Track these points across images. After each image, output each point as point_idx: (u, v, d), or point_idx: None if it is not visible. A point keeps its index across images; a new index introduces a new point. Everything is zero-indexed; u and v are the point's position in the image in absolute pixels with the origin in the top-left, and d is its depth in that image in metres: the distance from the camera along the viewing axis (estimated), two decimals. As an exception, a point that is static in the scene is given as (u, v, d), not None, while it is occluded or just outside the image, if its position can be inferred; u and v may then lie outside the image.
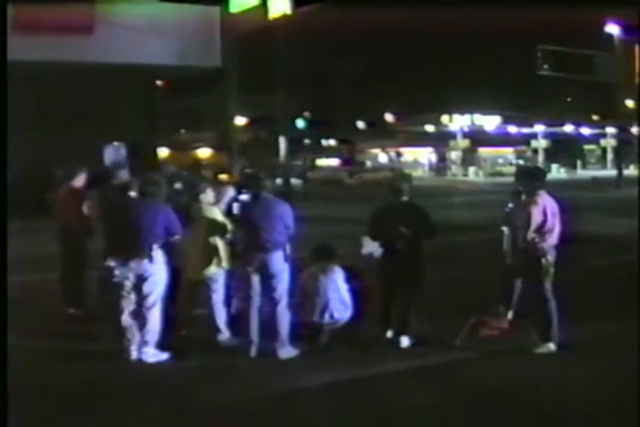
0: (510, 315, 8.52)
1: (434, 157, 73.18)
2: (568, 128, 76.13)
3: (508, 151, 78.37)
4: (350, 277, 8.25)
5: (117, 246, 7.45)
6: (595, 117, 74.61)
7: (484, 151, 74.44)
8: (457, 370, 7.47)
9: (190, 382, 6.99)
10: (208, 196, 8.18)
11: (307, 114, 63.26)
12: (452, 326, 8.22)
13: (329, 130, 65.10)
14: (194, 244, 7.97)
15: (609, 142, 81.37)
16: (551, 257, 7.78)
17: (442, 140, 69.91)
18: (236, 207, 8.20)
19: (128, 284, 7.43)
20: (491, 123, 70.74)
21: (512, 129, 72.55)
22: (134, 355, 7.53)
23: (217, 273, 8.07)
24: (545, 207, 7.78)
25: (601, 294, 10.14)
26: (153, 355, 7.52)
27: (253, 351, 7.70)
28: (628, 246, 14.85)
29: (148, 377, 7.20)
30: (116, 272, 7.40)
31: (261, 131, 55.96)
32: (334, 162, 67.32)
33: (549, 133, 75.31)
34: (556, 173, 72.64)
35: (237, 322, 8.15)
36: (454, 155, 71.13)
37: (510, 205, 8.69)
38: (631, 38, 43.27)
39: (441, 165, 70.42)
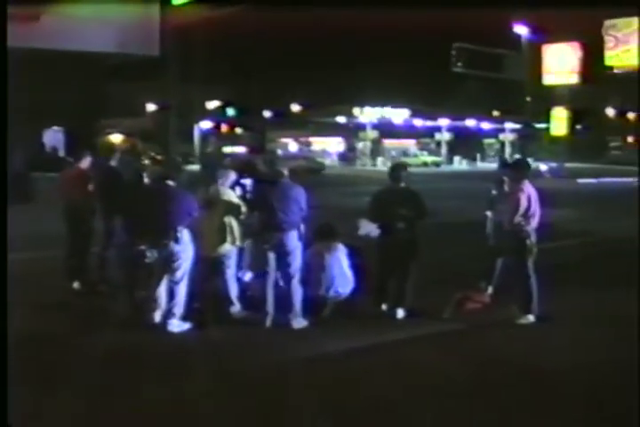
0: (491, 290, 9.46)
1: (342, 147, 74.47)
2: (470, 122, 78.55)
3: (412, 143, 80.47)
4: (351, 254, 9.02)
5: (147, 230, 8.02)
6: (495, 113, 77.15)
7: (389, 143, 76.19)
8: (447, 339, 8.29)
9: (214, 350, 7.60)
10: (228, 180, 8.82)
11: (218, 102, 63.63)
12: (440, 300, 9.11)
13: (240, 119, 65.40)
14: (210, 223, 8.59)
15: (507, 137, 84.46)
16: (534, 238, 8.76)
17: (351, 131, 71.31)
18: (250, 190, 8.92)
19: (158, 263, 8.03)
20: (399, 116, 72.50)
21: (417, 122, 74.48)
22: (157, 321, 8.13)
23: (231, 250, 8.73)
24: (529, 194, 8.75)
25: (566, 272, 11.12)
26: (178, 325, 8.14)
27: (269, 322, 8.40)
28: (566, 231, 16.01)
29: (175, 346, 7.80)
30: (148, 253, 7.98)
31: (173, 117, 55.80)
32: (241, 150, 67.62)
33: (452, 127, 77.59)
34: (458, 164, 75.00)
35: (248, 296, 8.85)
36: (362, 145, 72.58)
37: (494, 192, 9.63)
38: (538, 39, 45.45)
39: (350, 155, 71.76)
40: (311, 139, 75.77)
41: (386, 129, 71.20)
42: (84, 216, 9.88)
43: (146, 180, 8.89)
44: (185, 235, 8.03)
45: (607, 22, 68.04)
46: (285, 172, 8.73)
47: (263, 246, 8.43)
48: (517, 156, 75.46)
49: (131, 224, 8.29)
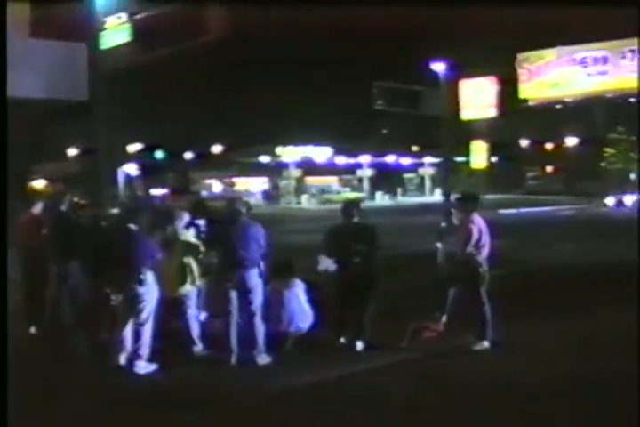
0: (444, 319, 9.75)
1: (266, 187, 74.81)
2: (390, 158, 79.93)
3: (334, 180, 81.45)
4: (309, 289, 9.21)
5: (110, 273, 8.09)
6: (414, 148, 78.69)
7: (311, 181, 76.92)
8: (408, 368, 8.52)
9: (182, 390, 7.68)
10: (183, 221, 8.94)
11: (140, 145, 63.43)
12: (396, 331, 9.35)
13: (163, 161, 65.28)
14: (169, 264, 8.69)
15: (426, 171, 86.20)
16: (486, 267, 9.10)
17: (275, 170, 71.81)
18: (204, 230, 9.05)
19: (123, 305, 8.09)
20: (322, 154, 73.42)
21: (339, 160, 75.47)
22: (123, 363, 8.16)
23: (191, 291, 8.83)
24: (479, 226, 9.12)
25: (511, 299, 11.46)
26: (144, 367, 8.18)
27: (234, 359, 8.49)
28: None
29: (144, 387, 7.84)
30: (112, 297, 8.04)
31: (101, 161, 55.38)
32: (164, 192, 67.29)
33: (373, 164, 78.81)
34: (381, 200, 76.01)
35: (209, 335, 8.93)
36: (286, 184, 73.10)
37: (443, 224, 9.97)
38: (454, 75, 46.85)
39: (274, 194, 72.12)
40: (234, 179, 75.91)
41: (308, 167, 71.95)
42: (39, 261, 9.85)
43: (104, 223, 8.93)
44: (149, 277, 8.11)
45: (520, 56, 70.59)
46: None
47: (225, 285, 8.54)
48: (438, 189, 77.30)
49: (91, 268, 8.33)
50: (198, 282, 8.85)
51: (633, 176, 75.65)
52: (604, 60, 69.27)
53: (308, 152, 71.55)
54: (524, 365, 8.40)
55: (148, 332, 8.19)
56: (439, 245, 9.96)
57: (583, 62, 70.95)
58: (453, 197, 12.38)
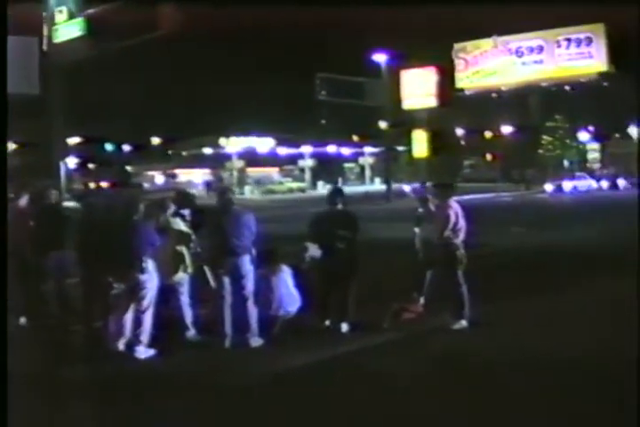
0: (422, 300, 10.22)
1: (208, 178, 74.75)
2: (331, 148, 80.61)
3: (275, 171, 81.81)
4: (295, 275, 9.60)
5: (112, 262, 8.36)
6: (355, 138, 79.51)
7: (252, 171, 77.16)
8: (393, 347, 8.96)
9: (182, 373, 8.02)
10: (171, 210, 9.24)
11: (79, 138, 62.80)
12: (377, 313, 9.80)
13: (103, 154, 64.79)
14: (163, 252, 8.98)
15: (367, 160, 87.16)
16: (462, 250, 9.60)
17: (217, 161, 71.84)
18: (190, 219, 9.39)
19: (124, 293, 8.38)
20: (264, 144, 73.69)
21: (281, 150, 75.88)
22: (122, 349, 8.47)
23: (184, 278, 9.14)
24: (456, 211, 9.62)
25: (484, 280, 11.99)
26: (144, 352, 8.47)
27: (227, 343, 8.84)
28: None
29: (145, 372, 8.14)
30: (115, 285, 8.33)
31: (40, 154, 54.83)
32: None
33: (314, 153, 79.40)
34: (322, 189, 76.61)
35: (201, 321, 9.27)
36: (228, 175, 73.16)
37: (420, 209, 10.44)
38: (396, 64, 47.55)
39: (218, 185, 72.10)
40: (176, 170, 75.73)
41: (251, 158, 72.19)
42: (27, 253, 10.04)
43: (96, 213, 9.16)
44: (149, 265, 8.41)
45: (456, 45, 71.91)
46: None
47: (218, 271, 8.88)
48: (378, 178, 78.15)
49: (91, 258, 8.58)
50: (190, 270, 9.16)
51: (568, 163, 77.75)
52: (540, 49, 70.94)
53: (251, 142, 71.77)
54: (501, 341, 8.92)
55: (149, 318, 8.49)
56: (417, 230, 10.43)
57: (519, 51, 72.58)
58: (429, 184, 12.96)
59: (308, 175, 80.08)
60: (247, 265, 8.91)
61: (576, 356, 8.08)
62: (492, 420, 6.45)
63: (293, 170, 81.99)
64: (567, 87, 71.83)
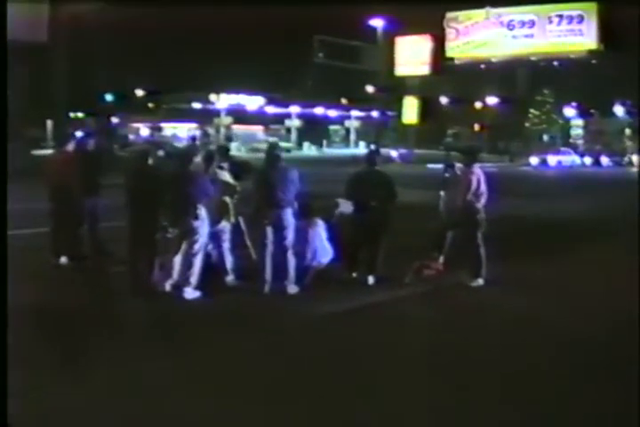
0: (442, 259, 10.99)
1: (195, 132, 74.88)
2: (318, 110, 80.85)
3: (259, 129, 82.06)
4: (329, 229, 10.30)
5: (169, 208, 9.04)
6: (343, 101, 79.72)
7: (237, 128, 77.34)
8: (419, 300, 9.76)
9: (227, 314, 8.71)
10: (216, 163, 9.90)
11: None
12: (399, 269, 10.55)
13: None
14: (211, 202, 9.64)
15: (352, 124, 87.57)
16: (483, 214, 10.35)
17: (205, 116, 71.98)
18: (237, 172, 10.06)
19: (178, 238, 9.06)
20: (254, 103, 73.82)
21: (269, 109, 76.04)
22: (168, 290, 9.16)
23: (227, 226, 9.82)
24: (479, 177, 10.34)
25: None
26: (192, 293, 9.17)
27: (267, 289, 9.56)
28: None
29: (194, 311, 8.83)
30: (170, 229, 9.01)
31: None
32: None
33: (301, 114, 79.67)
34: (308, 150, 77.15)
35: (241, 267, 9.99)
36: (214, 131, 73.37)
37: (446, 174, 11.15)
38: (392, 30, 47.85)
39: (205, 141, 72.30)
40: (162, 124, 75.79)
41: (239, 115, 72.35)
42: (72, 196, 10.66)
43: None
44: (202, 212, 9.07)
45: (449, 15, 72.05)
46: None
47: (263, 222, 9.56)
48: (362, 142, 78.63)
49: (144, 203, 9.20)
50: (233, 219, 9.84)
51: (547, 138, 78.68)
52: (531, 24, 71.37)
53: (241, 100, 71.89)
54: (513, 299, 9.73)
55: (199, 262, 9.16)
56: (442, 193, 11.15)
57: (510, 25, 72.92)
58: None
59: (294, 135, 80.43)
60: (290, 217, 9.58)
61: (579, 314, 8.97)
62: (502, 364, 7.15)
63: (279, 129, 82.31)
64: (556, 63, 72.41)
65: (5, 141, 8.79)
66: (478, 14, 73.78)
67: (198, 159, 9.59)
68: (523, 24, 72.32)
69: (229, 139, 66.14)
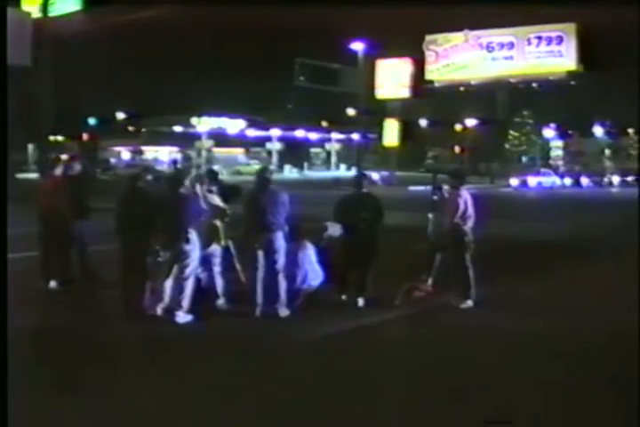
0: (430, 281, 11.05)
1: (176, 156, 74.99)
2: (299, 133, 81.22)
3: (240, 152, 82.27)
4: (318, 252, 10.36)
5: (160, 232, 9.07)
6: (324, 124, 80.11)
7: (218, 151, 77.48)
8: (407, 322, 9.84)
9: (217, 338, 8.69)
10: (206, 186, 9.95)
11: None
12: (389, 291, 10.60)
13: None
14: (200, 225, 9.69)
15: (333, 146, 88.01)
16: (471, 236, 10.45)
17: (186, 140, 72.12)
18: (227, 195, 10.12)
19: (169, 261, 9.10)
20: (235, 126, 74.11)
21: (250, 132, 76.31)
22: (159, 314, 9.17)
23: (217, 249, 9.87)
24: (466, 199, 10.46)
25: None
26: (183, 317, 9.18)
27: (258, 312, 9.59)
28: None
29: (184, 335, 8.84)
30: (161, 253, 9.04)
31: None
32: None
33: (282, 137, 79.99)
34: (289, 173, 77.31)
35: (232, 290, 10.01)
36: (196, 154, 73.50)
37: (435, 197, 11.25)
38: (373, 54, 48.31)
39: (186, 164, 72.41)
40: (143, 147, 75.85)
41: (220, 138, 72.56)
42: (62, 219, 10.69)
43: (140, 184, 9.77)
44: (193, 236, 9.11)
45: (428, 37, 72.71)
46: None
47: (254, 245, 9.60)
48: (343, 164, 78.84)
49: (134, 227, 9.23)
50: (223, 242, 9.88)
51: (526, 159, 79.32)
52: (510, 46, 72.12)
53: (222, 123, 72.14)
54: (504, 320, 9.80)
55: (190, 285, 9.19)
56: (430, 215, 11.24)
57: (489, 47, 73.66)
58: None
59: (275, 158, 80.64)
60: (280, 241, 9.63)
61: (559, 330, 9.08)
62: (492, 383, 7.21)
63: (260, 152, 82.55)
64: (535, 84, 73.15)
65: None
66: (457, 37, 74.50)
67: (187, 183, 9.61)
68: (502, 46, 73.08)
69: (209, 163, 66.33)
